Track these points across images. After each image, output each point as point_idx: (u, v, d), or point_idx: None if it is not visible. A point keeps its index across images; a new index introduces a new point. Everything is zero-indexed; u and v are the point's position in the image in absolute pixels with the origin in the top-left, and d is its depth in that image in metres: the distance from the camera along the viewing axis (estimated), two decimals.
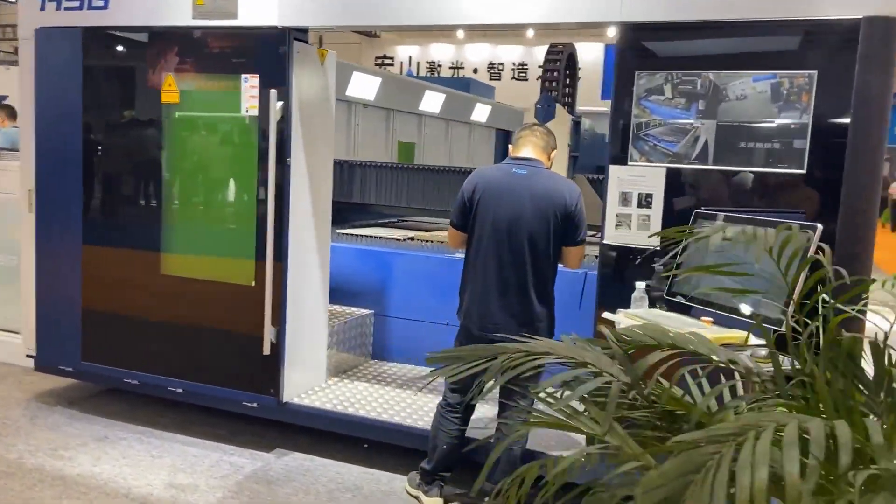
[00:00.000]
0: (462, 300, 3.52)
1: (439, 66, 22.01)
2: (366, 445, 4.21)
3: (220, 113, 4.13)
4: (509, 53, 21.40)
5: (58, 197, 4.49)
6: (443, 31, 19.27)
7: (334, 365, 4.65)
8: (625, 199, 3.29)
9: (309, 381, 4.38)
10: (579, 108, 14.35)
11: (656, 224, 3.25)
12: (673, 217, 3.22)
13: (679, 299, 3.04)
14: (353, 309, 5.02)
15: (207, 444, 4.23)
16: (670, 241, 3.16)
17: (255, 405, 4.16)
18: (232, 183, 4.17)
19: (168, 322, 4.30)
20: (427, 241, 5.42)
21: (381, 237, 5.50)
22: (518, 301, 3.36)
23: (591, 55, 16.40)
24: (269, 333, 4.00)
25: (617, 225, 3.32)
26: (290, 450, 4.22)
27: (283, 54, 3.90)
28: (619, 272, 3.36)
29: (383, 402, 4.27)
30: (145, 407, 4.68)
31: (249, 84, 3.98)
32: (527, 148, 3.47)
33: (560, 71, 6.24)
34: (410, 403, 4.27)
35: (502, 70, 21.70)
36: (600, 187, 5.32)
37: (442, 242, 5.36)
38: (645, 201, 3.25)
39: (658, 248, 3.23)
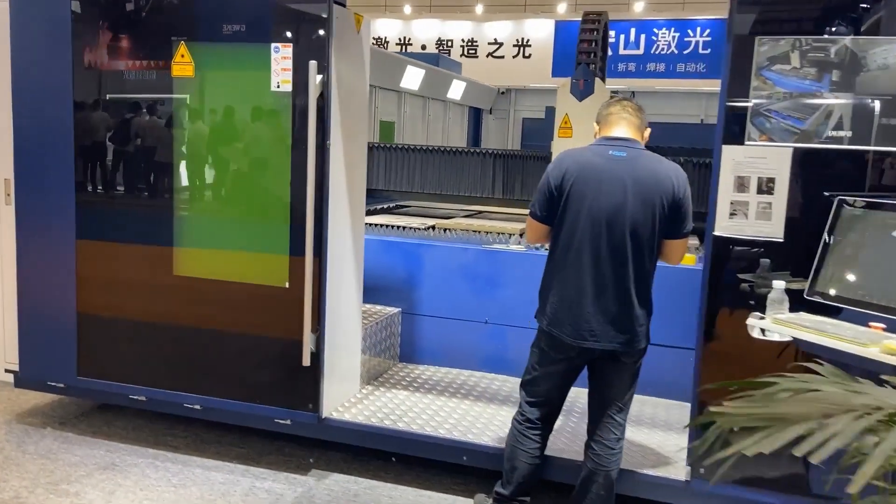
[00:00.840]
0: (545, 303, 3.08)
1: (386, 41, 21.30)
2: (394, 459, 3.76)
3: (244, 88, 3.56)
4: (458, 30, 20.88)
5: (44, 186, 3.85)
6: (389, 6, 18.66)
7: (366, 371, 4.16)
8: (741, 185, 2.90)
9: (345, 392, 3.89)
10: (531, 85, 13.95)
11: (779, 213, 2.86)
12: (801, 205, 2.83)
13: (816, 298, 2.67)
14: (380, 307, 4.53)
15: (233, 468, 3.70)
16: (800, 232, 2.85)
17: (288, 422, 3.64)
18: (258, 168, 3.62)
19: (183, 328, 3.74)
20: (452, 229, 4.95)
21: (401, 226, 5.00)
22: (616, 304, 2.94)
23: (541, 32, 16.02)
24: (308, 341, 3.49)
25: (731, 214, 2.93)
26: (328, 470, 3.72)
27: (323, 20, 3.36)
28: (732, 268, 2.96)
29: (431, 413, 3.81)
30: (150, 424, 4.11)
31: (281, 55, 3.42)
32: (620, 126, 3.03)
33: (598, 42, 5.78)
34: (464, 415, 3.82)
35: (451, 47, 21.16)
36: None
37: (468, 231, 4.90)
38: (766, 186, 2.86)
39: (783, 241, 2.85)
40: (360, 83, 3.77)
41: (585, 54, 5.48)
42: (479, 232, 4.84)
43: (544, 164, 5.16)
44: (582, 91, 4.63)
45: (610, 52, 8.87)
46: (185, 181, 3.69)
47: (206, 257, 3.67)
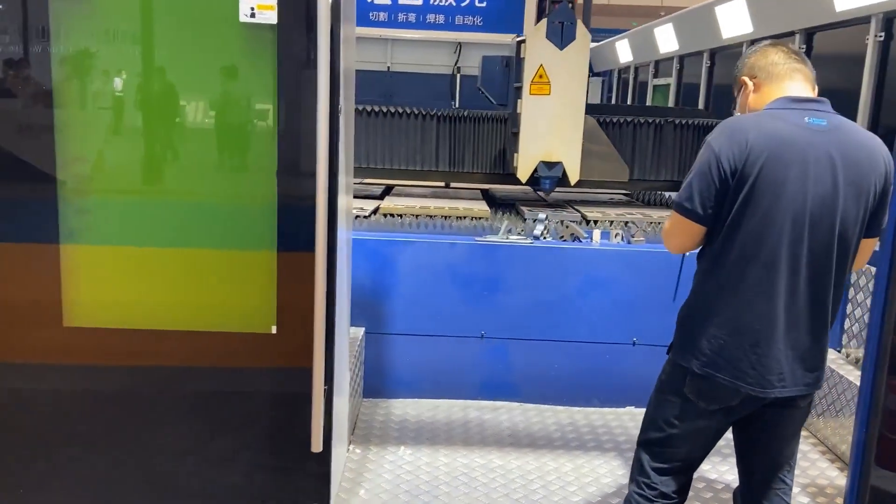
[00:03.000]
0: (697, 337, 2.15)
1: None
2: None
3: (182, 14, 2.19)
4: None
5: None
6: None
7: None
8: None
9: (338, 465, 2.71)
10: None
11: None
12: None
13: None
14: None
15: None
16: None
17: None
18: (221, 139, 2.29)
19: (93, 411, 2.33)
20: (405, 214, 3.82)
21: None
22: (810, 334, 2.10)
23: None
24: (319, 415, 2.26)
25: None
26: None
27: None
28: None
29: (466, 482, 2.76)
30: None
31: None
32: (796, 81, 2.15)
33: None
34: (509, 476, 2.81)
35: None
36: (608, 130, 4.18)
37: (435, 216, 3.81)
38: None
39: None
40: (352, 16, 2.53)
41: None
42: (448, 218, 3.77)
43: (500, 127, 4.18)
44: (563, 36, 3.69)
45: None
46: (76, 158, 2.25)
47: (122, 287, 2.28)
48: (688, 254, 2.35)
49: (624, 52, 9.73)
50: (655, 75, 8.66)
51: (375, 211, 3.87)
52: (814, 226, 2.01)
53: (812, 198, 1.99)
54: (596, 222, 3.83)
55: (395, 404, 3.39)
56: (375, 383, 3.41)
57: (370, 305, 3.34)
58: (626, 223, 3.73)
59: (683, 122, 4.12)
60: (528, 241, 3.38)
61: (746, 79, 2.21)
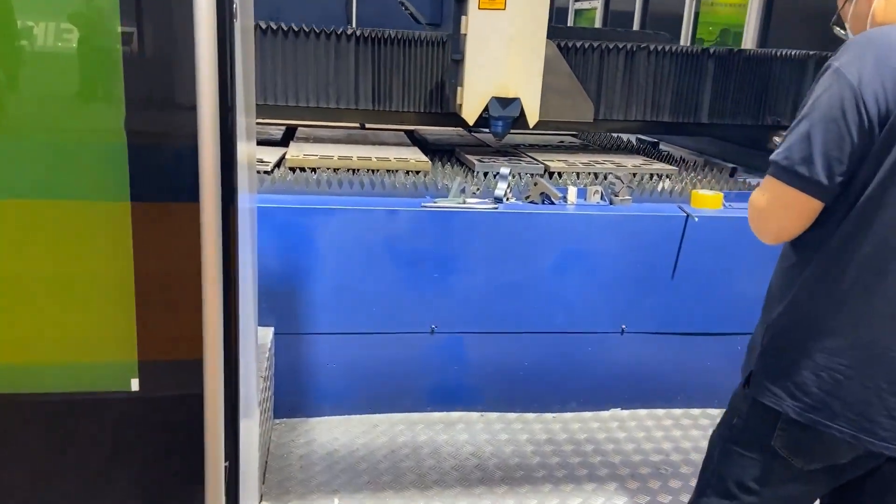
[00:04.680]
0: (804, 366, 1.44)
1: None
2: None
3: None
4: None
5: None
6: None
7: None
8: None
9: None
10: None
11: None
12: None
13: None
14: None
15: None
16: None
17: None
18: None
19: None
20: (321, 168, 2.89)
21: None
22: None
23: None
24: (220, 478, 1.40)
25: None
26: None
27: None
28: None
29: None
30: None
31: None
32: None
33: None
34: None
35: None
36: (568, 58, 3.36)
37: (362, 170, 2.93)
38: None
39: None
40: None
41: None
42: (377, 171, 2.86)
43: (437, 53, 3.27)
44: None
45: None
46: None
47: None
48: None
49: None
50: None
51: (280, 163, 2.93)
52: None
53: None
54: (560, 175, 3.05)
55: (319, 426, 2.54)
56: (291, 399, 2.55)
57: (281, 298, 2.45)
58: (605, 176, 2.96)
59: (662, 48, 3.35)
60: (491, 204, 2.56)
61: None
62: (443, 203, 2.52)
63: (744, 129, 3.46)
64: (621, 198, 2.75)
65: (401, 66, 3.25)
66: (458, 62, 3.07)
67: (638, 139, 4.09)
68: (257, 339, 1.99)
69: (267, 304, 2.38)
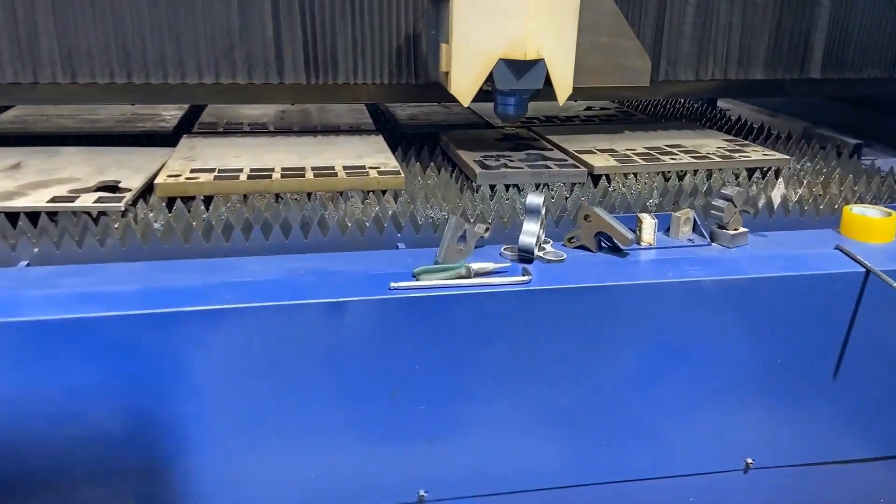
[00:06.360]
0: None
1: None
2: None
3: None
4: None
5: None
6: None
7: None
8: None
9: None
10: None
11: None
12: None
13: None
14: None
15: None
16: None
17: None
18: None
19: None
20: (278, 195, 1.71)
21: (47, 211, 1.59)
22: None
23: None
24: None
25: None
26: None
27: None
28: None
29: None
30: None
31: None
32: None
33: None
34: None
35: None
36: None
37: (311, 198, 1.74)
38: None
39: None
40: None
41: None
42: (313, 197, 1.69)
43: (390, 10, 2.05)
44: None
45: None
46: None
47: None
48: None
49: None
50: None
51: (147, 191, 1.74)
52: None
53: None
54: (610, 180, 1.90)
55: None
56: None
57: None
58: (681, 177, 1.80)
59: None
60: (519, 277, 1.41)
61: None
62: (428, 278, 1.37)
63: (872, 84, 2.32)
64: (732, 230, 1.60)
65: (348, 15, 2.03)
66: (441, 3, 1.86)
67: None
68: None
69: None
